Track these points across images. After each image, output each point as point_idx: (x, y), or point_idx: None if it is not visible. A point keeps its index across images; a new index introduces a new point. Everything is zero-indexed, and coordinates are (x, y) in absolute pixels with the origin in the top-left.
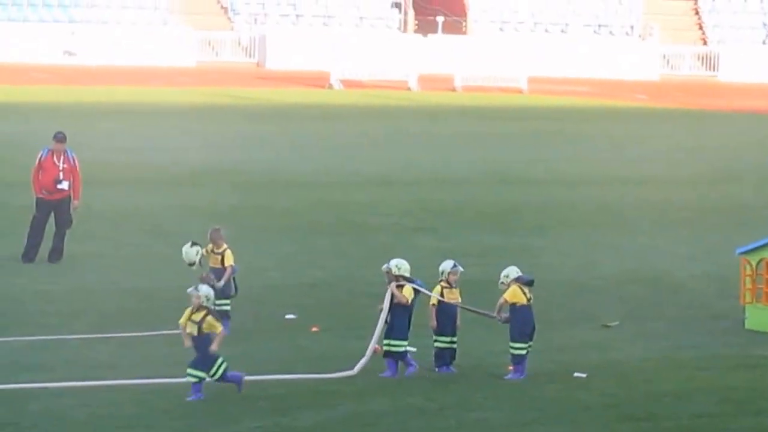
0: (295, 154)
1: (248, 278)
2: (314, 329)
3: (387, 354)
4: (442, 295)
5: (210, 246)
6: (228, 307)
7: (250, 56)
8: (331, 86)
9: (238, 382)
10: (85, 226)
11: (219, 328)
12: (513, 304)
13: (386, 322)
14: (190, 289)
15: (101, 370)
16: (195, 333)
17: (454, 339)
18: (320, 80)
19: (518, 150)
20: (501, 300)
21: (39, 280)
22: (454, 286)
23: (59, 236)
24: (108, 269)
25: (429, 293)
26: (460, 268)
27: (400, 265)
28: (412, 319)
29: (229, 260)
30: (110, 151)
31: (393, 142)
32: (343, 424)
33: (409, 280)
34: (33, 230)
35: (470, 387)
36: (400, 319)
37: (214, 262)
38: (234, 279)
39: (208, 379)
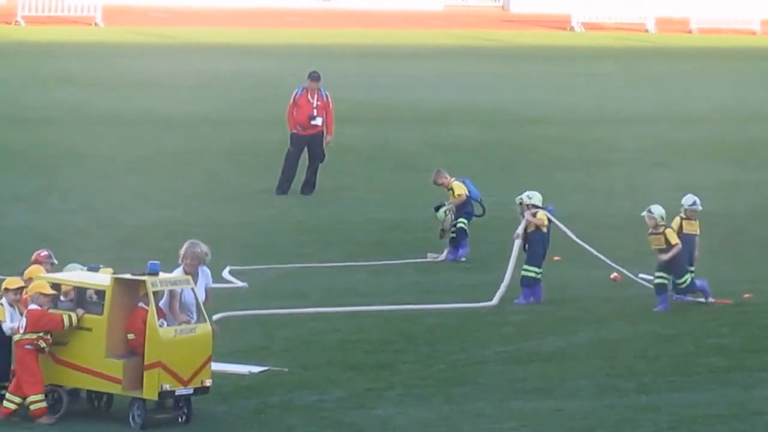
0: (538, 93)
1: (495, 209)
2: (556, 258)
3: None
4: (681, 227)
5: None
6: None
7: (495, 0)
8: (572, 28)
9: None
10: (337, 160)
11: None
12: None
13: (524, 249)
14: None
15: (352, 296)
16: None
17: (692, 269)
18: (562, 23)
19: (753, 89)
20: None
21: (293, 211)
22: (693, 218)
23: (312, 170)
24: (358, 201)
25: (559, 223)
26: (699, 207)
27: (531, 195)
28: (549, 245)
29: (459, 189)
30: (361, 89)
31: (631, 82)
32: (585, 349)
33: (540, 208)
34: (287, 164)
35: (707, 314)
36: (536, 246)
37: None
38: (480, 201)
39: None
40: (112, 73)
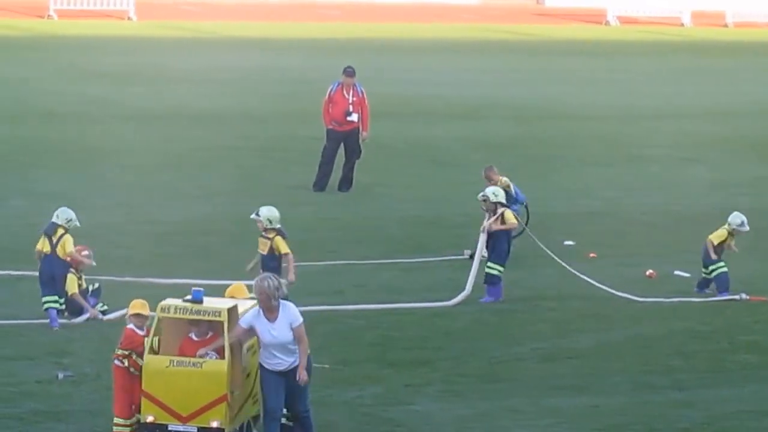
0: (572, 88)
1: (530, 206)
2: (591, 255)
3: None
4: (726, 242)
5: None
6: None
7: None
8: (607, 23)
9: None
10: (371, 156)
11: (70, 247)
12: None
13: (487, 247)
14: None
15: (388, 293)
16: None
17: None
18: (597, 17)
19: None
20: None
21: (329, 208)
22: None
23: (349, 166)
24: (393, 198)
25: (522, 224)
26: (746, 228)
27: (497, 193)
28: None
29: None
30: (397, 84)
31: (666, 77)
32: (619, 346)
33: (505, 206)
34: (324, 160)
35: (742, 311)
36: (501, 244)
37: None
38: (526, 205)
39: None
40: (146, 68)
